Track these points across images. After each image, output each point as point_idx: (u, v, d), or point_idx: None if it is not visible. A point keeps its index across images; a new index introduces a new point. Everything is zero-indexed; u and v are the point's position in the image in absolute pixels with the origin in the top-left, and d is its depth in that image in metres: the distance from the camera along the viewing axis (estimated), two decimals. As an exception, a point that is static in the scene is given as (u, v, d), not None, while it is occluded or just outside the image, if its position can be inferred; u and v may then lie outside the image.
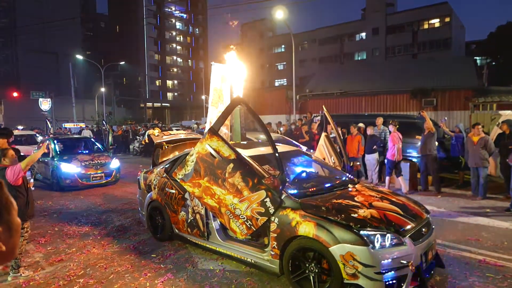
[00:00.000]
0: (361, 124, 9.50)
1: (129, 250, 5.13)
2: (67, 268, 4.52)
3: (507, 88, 17.08)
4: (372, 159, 9.30)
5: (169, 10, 71.19)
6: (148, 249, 5.16)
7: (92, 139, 12.54)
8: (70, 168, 9.55)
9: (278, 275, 3.87)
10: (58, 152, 10.33)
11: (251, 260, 4.10)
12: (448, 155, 8.76)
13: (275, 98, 23.24)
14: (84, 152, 10.92)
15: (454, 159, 8.98)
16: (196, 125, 24.01)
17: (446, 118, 12.10)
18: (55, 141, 10.73)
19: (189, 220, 4.86)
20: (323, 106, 6.55)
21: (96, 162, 10.05)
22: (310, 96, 22.50)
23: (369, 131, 9.37)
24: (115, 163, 10.34)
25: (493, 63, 37.50)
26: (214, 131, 4.08)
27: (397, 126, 8.50)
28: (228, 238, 4.48)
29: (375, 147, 9.22)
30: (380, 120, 9.60)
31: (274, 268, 3.85)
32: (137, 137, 20.32)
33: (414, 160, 9.34)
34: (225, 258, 4.59)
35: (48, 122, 22.07)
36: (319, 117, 11.18)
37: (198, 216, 4.72)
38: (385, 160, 8.75)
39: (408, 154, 9.63)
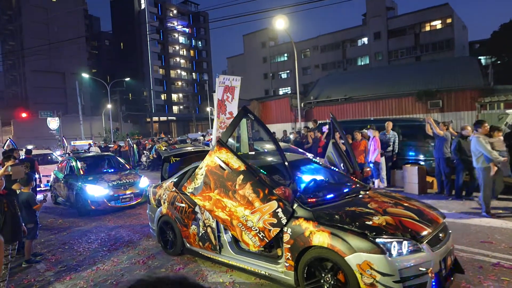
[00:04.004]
0: (365, 130, 9.46)
1: (139, 265, 5.12)
2: (77, 286, 4.52)
3: (513, 86, 16.90)
4: (379, 163, 9.24)
5: (172, 25, 72.32)
6: (157, 264, 5.15)
7: (117, 157, 11.71)
8: (97, 190, 8.59)
9: (294, 287, 3.77)
10: (82, 173, 9.49)
11: (265, 272, 4.01)
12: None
13: (280, 106, 23.29)
14: (110, 171, 9.99)
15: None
16: (202, 137, 24.11)
17: (452, 120, 12.00)
18: (78, 160, 9.94)
19: (200, 234, 4.80)
20: (331, 113, 6.50)
21: (124, 181, 9.13)
22: (315, 103, 22.51)
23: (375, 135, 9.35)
24: (144, 182, 9.39)
25: (498, 62, 37.22)
26: (222, 143, 4.04)
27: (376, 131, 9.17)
28: (240, 250, 4.40)
29: (381, 151, 9.18)
30: (390, 125, 9.57)
31: (289, 280, 3.75)
32: (144, 151, 20.46)
33: (422, 163, 9.27)
34: (234, 270, 4.56)
35: (65, 140, 22.48)
36: (327, 126, 11.15)
37: (209, 230, 4.65)
38: (372, 164, 9.04)
39: (415, 158, 9.57)
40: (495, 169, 6.37)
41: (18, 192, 5.48)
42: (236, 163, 3.93)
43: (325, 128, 10.92)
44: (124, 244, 6.14)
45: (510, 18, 38.18)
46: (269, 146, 9.03)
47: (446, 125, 8.65)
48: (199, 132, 37.73)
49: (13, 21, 54.05)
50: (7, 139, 14.91)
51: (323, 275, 3.46)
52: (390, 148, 9.48)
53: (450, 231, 3.86)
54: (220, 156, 4.00)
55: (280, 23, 18.08)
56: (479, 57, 30.71)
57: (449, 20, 41.71)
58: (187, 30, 74.60)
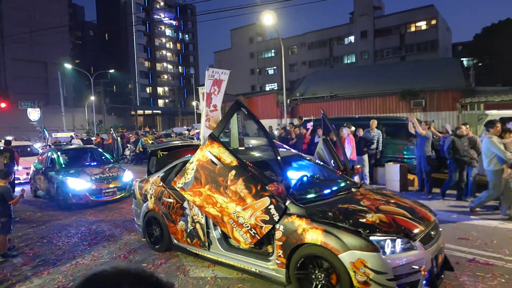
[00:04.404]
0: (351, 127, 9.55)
1: (120, 260, 5.06)
2: (55, 281, 4.44)
3: (493, 88, 17.36)
4: (362, 160, 9.36)
5: (158, 17, 71.21)
6: (138, 258, 5.10)
7: (99, 149, 11.49)
8: (78, 184, 8.41)
9: (285, 284, 3.74)
10: (63, 165, 9.26)
11: (256, 269, 3.95)
12: (437, 155, 8.88)
13: (266, 102, 23.28)
14: (92, 164, 9.78)
15: (443, 159, 9.09)
16: (187, 131, 23.92)
17: (434, 119, 12.25)
18: (59, 153, 9.64)
19: (188, 230, 4.70)
20: (322, 110, 6.49)
21: (108, 175, 8.97)
22: (301, 100, 22.60)
23: (359, 133, 9.46)
24: (128, 176, 9.24)
25: (480, 64, 38.14)
26: (214, 137, 3.94)
27: (351, 128, 9.18)
28: (230, 247, 4.33)
29: (365, 148, 9.30)
30: (374, 123, 9.71)
31: (280, 277, 3.71)
32: (128, 145, 20.17)
33: (404, 161, 9.45)
34: (217, 265, 4.55)
35: (45, 132, 21.93)
36: (311, 123, 11.21)
37: (198, 226, 4.56)
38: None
39: (398, 156, 9.75)
40: (509, 171, 6.09)
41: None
42: (228, 158, 3.85)
43: (310, 125, 10.98)
44: (105, 239, 6.04)
45: (492, 22, 39.09)
46: (254, 142, 9.01)
47: (428, 125, 8.84)
48: (185, 126, 37.38)
49: (-8, 7, 52.13)
50: None
51: (317, 272, 3.42)
52: (374, 146, 9.62)
53: (440, 229, 3.88)
54: (212, 151, 3.90)
55: (268, 19, 18.02)
56: (462, 59, 31.38)
57: (433, 22, 42.46)
58: (174, 22, 73.58)
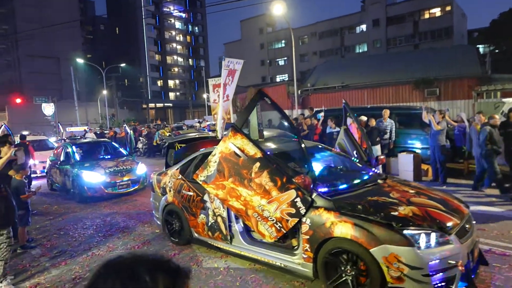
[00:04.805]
0: (362, 117, 9.42)
1: (134, 251, 5.14)
2: (72, 271, 4.55)
3: (510, 76, 16.88)
4: (375, 151, 9.25)
5: (168, 9, 71.17)
6: (153, 249, 5.17)
7: (113, 143, 11.63)
8: (93, 177, 8.56)
9: (312, 279, 3.66)
10: (78, 159, 9.44)
11: (281, 264, 3.86)
12: (451, 145, 8.71)
13: (277, 93, 23.15)
14: (106, 157, 9.94)
15: (458, 148, 8.92)
16: (198, 123, 24.02)
17: (448, 108, 11.99)
18: (74, 146, 9.83)
19: (209, 223, 4.62)
20: (343, 99, 6.35)
21: (121, 168, 9.09)
22: (312, 91, 22.41)
23: (372, 123, 9.34)
24: (141, 168, 9.37)
25: (496, 51, 37.07)
26: (237, 129, 3.83)
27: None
28: (253, 241, 4.26)
29: (378, 138, 9.19)
30: (387, 113, 9.56)
31: (307, 272, 3.62)
32: (140, 138, 20.40)
33: (418, 151, 9.30)
34: (230, 256, 4.58)
35: (60, 126, 22.39)
36: (322, 113, 11.10)
37: (219, 219, 4.48)
38: None
39: (411, 146, 9.61)
40: None
41: (12, 178, 5.44)
42: (252, 150, 3.72)
43: (320, 115, 10.91)
44: (120, 230, 6.15)
45: (510, 6, 37.85)
46: (267, 133, 8.98)
47: (442, 114, 8.65)
48: (196, 119, 37.52)
49: (4, 4, 52.89)
50: (2, 125, 14.76)
51: (348, 266, 3.31)
52: (387, 136, 9.49)
53: (474, 222, 3.72)
54: (235, 143, 3.79)
55: (278, 9, 17.82)
56: (478, 46, 30.52)
57: (448, 8, 41.32)
58: (183, 15, 73.46)
